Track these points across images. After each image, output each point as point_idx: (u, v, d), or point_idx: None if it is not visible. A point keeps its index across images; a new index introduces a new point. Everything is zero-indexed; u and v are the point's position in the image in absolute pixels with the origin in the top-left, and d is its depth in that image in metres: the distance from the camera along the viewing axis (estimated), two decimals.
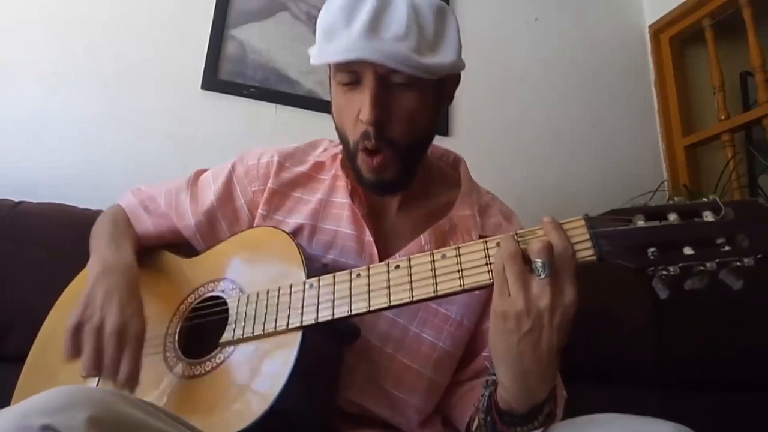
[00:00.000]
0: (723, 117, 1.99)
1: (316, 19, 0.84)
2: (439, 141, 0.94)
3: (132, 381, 0.75)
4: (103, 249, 0.90)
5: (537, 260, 0.61)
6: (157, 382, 0.80)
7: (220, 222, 0.98)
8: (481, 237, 0.89)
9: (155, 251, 0.98)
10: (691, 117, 2.17)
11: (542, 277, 0.61)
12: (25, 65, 1.54)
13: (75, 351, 0.76)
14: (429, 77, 0.80)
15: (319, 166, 0.97)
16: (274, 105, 1.73)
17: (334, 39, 0.79)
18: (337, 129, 0.88)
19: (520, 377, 0.64)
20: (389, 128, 0.81)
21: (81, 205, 1.26)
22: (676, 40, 2.21)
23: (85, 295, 0.80)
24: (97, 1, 1.64)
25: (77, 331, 0.76)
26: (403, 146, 0.83)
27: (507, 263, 0.62)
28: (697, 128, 2.14)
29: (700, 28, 2.09)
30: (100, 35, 1.62)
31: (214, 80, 1.69)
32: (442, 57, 0.81)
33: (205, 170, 1.05)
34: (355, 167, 0.86)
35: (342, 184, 0.92)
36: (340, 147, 0.95)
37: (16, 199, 1.27)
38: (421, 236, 0.89)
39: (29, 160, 1.49)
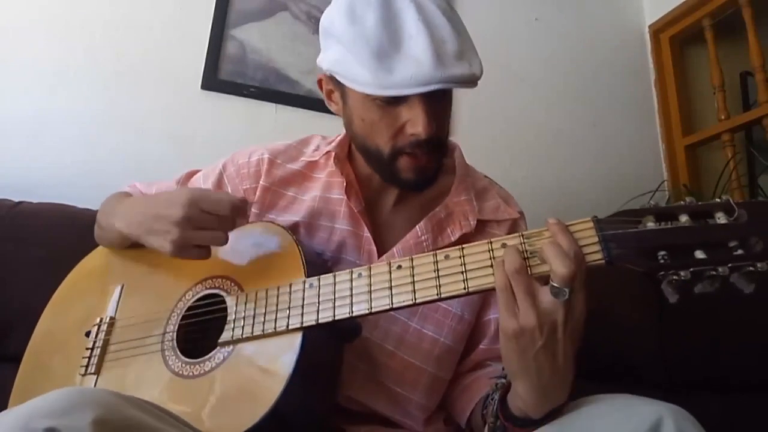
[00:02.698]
0: (723, 117, 1.99)
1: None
2: None
3: (241, 206, 0.78)
4: (116, 211, 0.90)
5: (565, 288, 0.59)
6: (156, 382, 0.79)
7: None
8: (479, 221, 0.91)
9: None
10: (691, 117, 2.17)
11: (561, 299, 0.59)
12: (25, 65, 1.54)
13: (187, 251, 0.78)
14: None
15: (312, 165, 0.96)
16: (274, 105, 1.73)
17: (395, 67, 0.75)
18: (362, 140, 0.86)
19: (540, 390, 0.64)
20: (437, 133, 0.82)
21: (81, 205, 1.25)
22: (676, 40, 2.21)
23: (146, 230, 0.81)
24: (97, 1, 1.64)
25: (180, 249, 0.77)
26: (443, 145, 0.87)
27: (514, 279, 0.61)
28: (697, 128, 2.14)
29: (700, 28, 2.09)
30: (100, 35, 1.62)
31: (214, 80, 1.69)
32: (476, 58, 0.81)
33: (196, 171, 1.04)
34: (391, 169, 0.85)
35: (337, 180, 0.91)
36: (333, 143, 0.95)
37: (16, 199, 1.27)
38: (417, 227, 0.89)
39: (29, 160, 1.48)
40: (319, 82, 0.92)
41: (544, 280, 0.62)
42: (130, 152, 1.56)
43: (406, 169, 0.84)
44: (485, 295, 0.90)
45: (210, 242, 0.78)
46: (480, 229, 0.91)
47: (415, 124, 0.78)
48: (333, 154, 0.93)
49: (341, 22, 0.78)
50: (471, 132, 1.89)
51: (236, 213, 0.78)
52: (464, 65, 0.77)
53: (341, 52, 0.80)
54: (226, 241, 0.78)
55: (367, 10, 0.77)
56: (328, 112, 1.92)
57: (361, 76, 0.77)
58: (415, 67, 0.75)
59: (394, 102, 0.79)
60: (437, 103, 0.81)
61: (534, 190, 1.88)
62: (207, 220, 0.77)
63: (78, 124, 1.55)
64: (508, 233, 0.92)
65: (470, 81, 0.78)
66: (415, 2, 0.78)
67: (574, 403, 0.70)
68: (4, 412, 0.53)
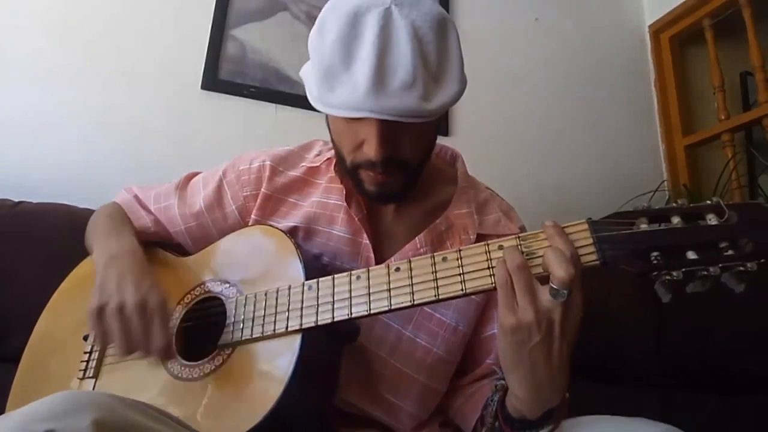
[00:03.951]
0: (723, 117, 1.99)
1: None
2: (439, 140, 0.93)
3: (167, 351, 0.76)
4: (104, 241, 0.91)
5: (564, 290, 0.60)
6: (155, 384, 0.79)
7: (210, 227, 0.98)
8: (479, 235, 0.90)
9: (150, 249, 0.97)
10: (691, 117, 2.17)
11: (560, 300, 0.60)
12: (25, 65, 1.54)
13: (103, 336, 0.77)
14: (434, 119, 0.79)
15: (314, 171, 0.96)
16: (274, 105, 1.73)
17: (336, 87, 0.75)
18: (333, 143, 0.86)
19: (533, 388, 0.64)
20: (396, 156, 0.79)
21: (81, 205, 1.25)
22: (676, 40, 2.21)
23: (98, 283, 0.81)
24: (97, 1, 1.64)
25: (99, 316, 0.77)
26: (412, 166, 0.83)
27: (515, 275, 0.62)
28: (697, 128, 2.14)
29: (700, 28, 2.09)
30: (100, 35, 1.62)
31: (214, 80, 1.69)
32: (447, 90, 0.78)
33: (195, 173, 1.04)
34: (355, 179, 0.84)
35: (337, 186, 0.91)
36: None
37: (16, 199, 1.27)
38: (417, 238, 0.88)
39: (29, 160, 1.48)
40: None
41: (543, 279, 0.62)
42: (130, 152, 1.56)
43: (367, 181, 0.83)
44: (482, 308, 0.90)
45: (117, 341, 0.76)
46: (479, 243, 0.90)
47: (369, 145, 0.77)
48: (334, 161, 0.93)
49: (313, 31, 0.79)
50: (471, 132, 1.89)
51: (155, 353, 0.76)
52: (410, 97, 0.73)
53: (310, 61, 0.81)
54: (126, 354, 0.76)
55: (333, 24, 0.75)
56: None
57: (313, 89, 0.79)
58: (350, 90, 0.73)
59: (350, 118, 0.78)
60: (397, 127, 0.76)
61: (534, 190, 1.88)
62: (138, 326, 0.75)
63: (78, 124, 1.55)
64: None
65: (415, 115, 0.74)
66: (383, 21, 0.73)
67: (573, 423, 0.70)
68: (2, 416, 0.53)
